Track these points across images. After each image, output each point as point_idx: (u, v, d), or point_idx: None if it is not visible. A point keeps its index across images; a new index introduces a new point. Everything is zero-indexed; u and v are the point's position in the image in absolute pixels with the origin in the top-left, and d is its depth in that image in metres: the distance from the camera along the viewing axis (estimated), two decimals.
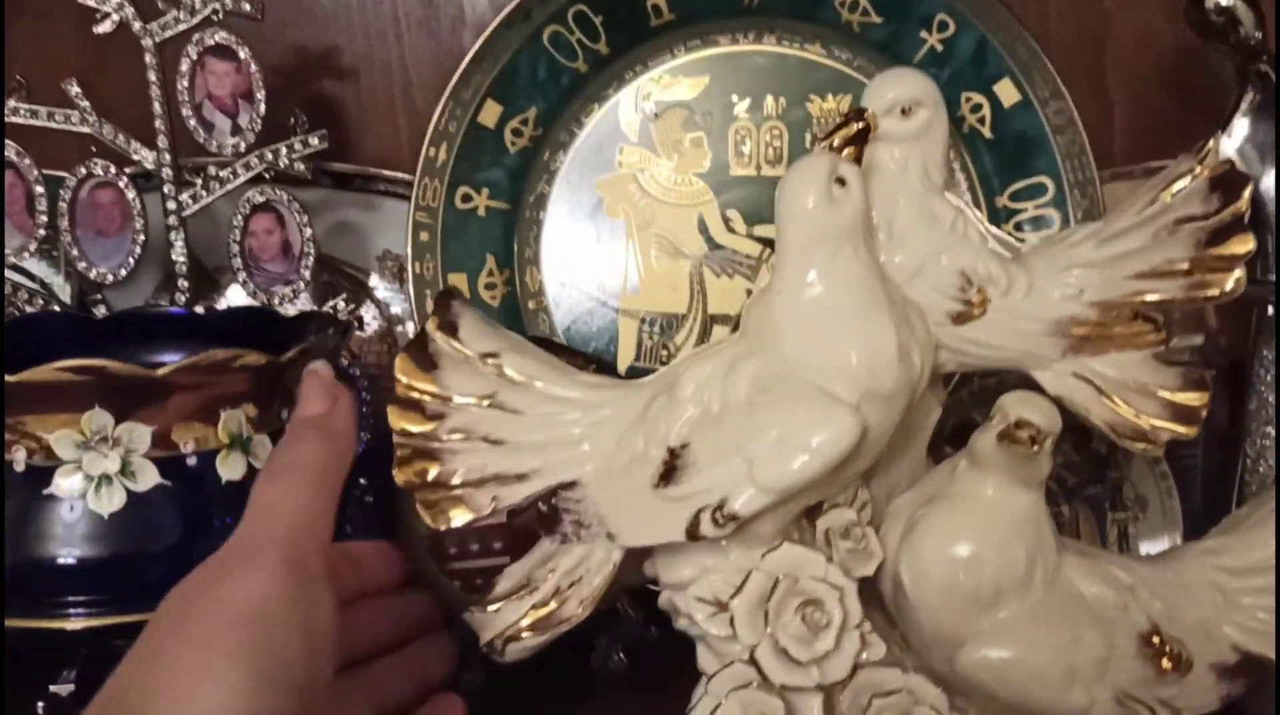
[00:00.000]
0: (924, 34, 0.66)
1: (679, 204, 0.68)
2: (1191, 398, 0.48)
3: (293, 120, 0.62)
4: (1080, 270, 0.48)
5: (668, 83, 0.69)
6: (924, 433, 0.51)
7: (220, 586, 0.37)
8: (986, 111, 0.67)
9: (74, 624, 0.45)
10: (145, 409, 0.46)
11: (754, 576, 0.44)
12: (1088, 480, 0.64)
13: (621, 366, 0.68)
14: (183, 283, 0.61)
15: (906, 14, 0.66)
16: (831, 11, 0.67)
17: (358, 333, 0.69)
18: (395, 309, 0.71)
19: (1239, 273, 0.46)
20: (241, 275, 0.62)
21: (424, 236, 0.67)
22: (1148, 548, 0.63)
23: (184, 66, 0.62)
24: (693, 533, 0.43)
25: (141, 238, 0.60)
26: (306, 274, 0.62)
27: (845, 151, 0.45)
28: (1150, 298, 0.47)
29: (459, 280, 0.67)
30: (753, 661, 0.44)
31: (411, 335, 0.70)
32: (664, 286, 0.69)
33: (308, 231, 0.62)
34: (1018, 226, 0.67)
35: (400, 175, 0.70)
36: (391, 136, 0.71)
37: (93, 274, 0.61)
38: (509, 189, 0.68)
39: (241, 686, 0.34)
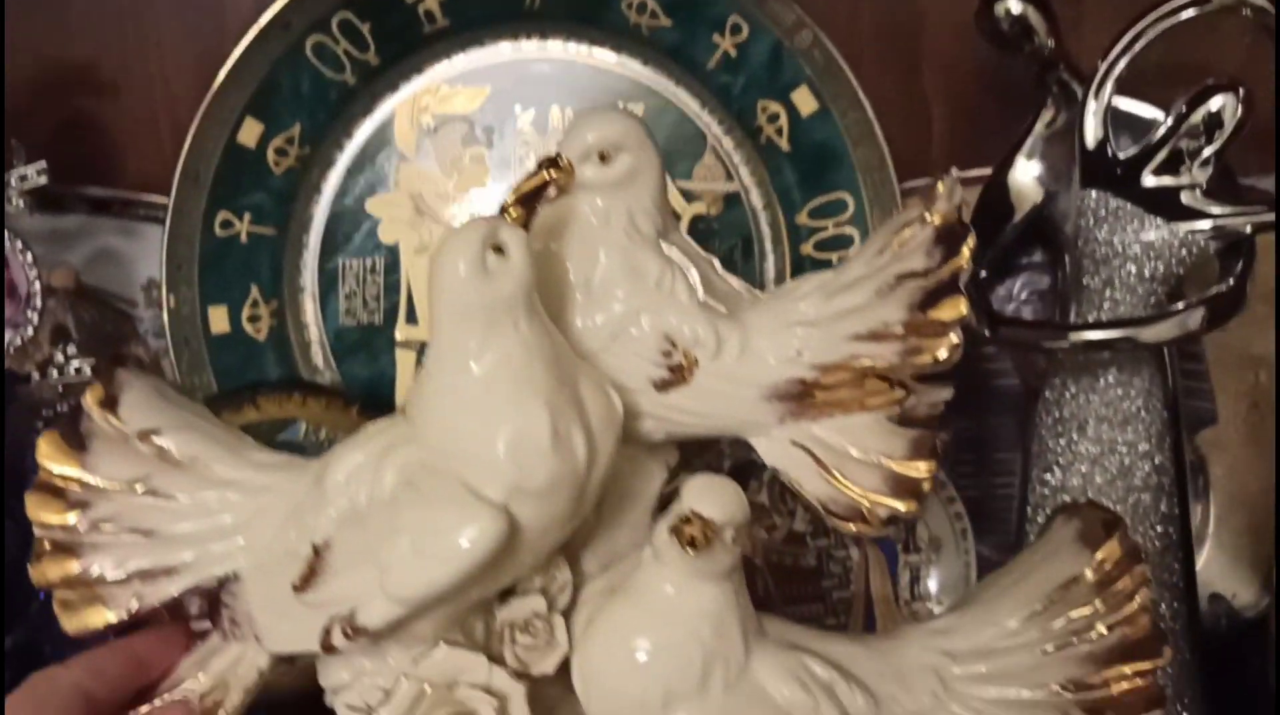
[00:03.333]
0: (716, 38, 0.62)
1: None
2: (917, 468, 0.44)
3: (9, 150, 0.57)
4: (802, 329, 0.44)
5: (445, 94, 0.64)
6: (645, 499, 0.47)
7: None
8: (784, 121, 0.62)
9: None
10: None
11: (403, 684, 0.40)
12: None
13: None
14: None
15: (696, 16, 0.61)
16: (618, 14, 0.62)
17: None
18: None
19: (953, 338, 0.41)
20: None
21: (179, 266, 0.62)
22: (940, 589, 0.59)
23: None
24: (326, 644, 0.39)
25: None
26: (34, 317, 0.58)
27: (514, 213, 0.41)
28: (866, 362, 0.43)
29: (219, 312, 0.63)
30: None
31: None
32: None
33: (33, 271, 0.57)
34: (819, 246, 0.63)
35: (160, 199, 0.65)
36: (155, 156, 0.66)
37: None
38: (275, 212, 0.63)
39: None
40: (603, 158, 0.44)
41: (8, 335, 0.58)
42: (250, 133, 0.62)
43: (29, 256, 0.57)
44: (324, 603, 0.39)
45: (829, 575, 0.60)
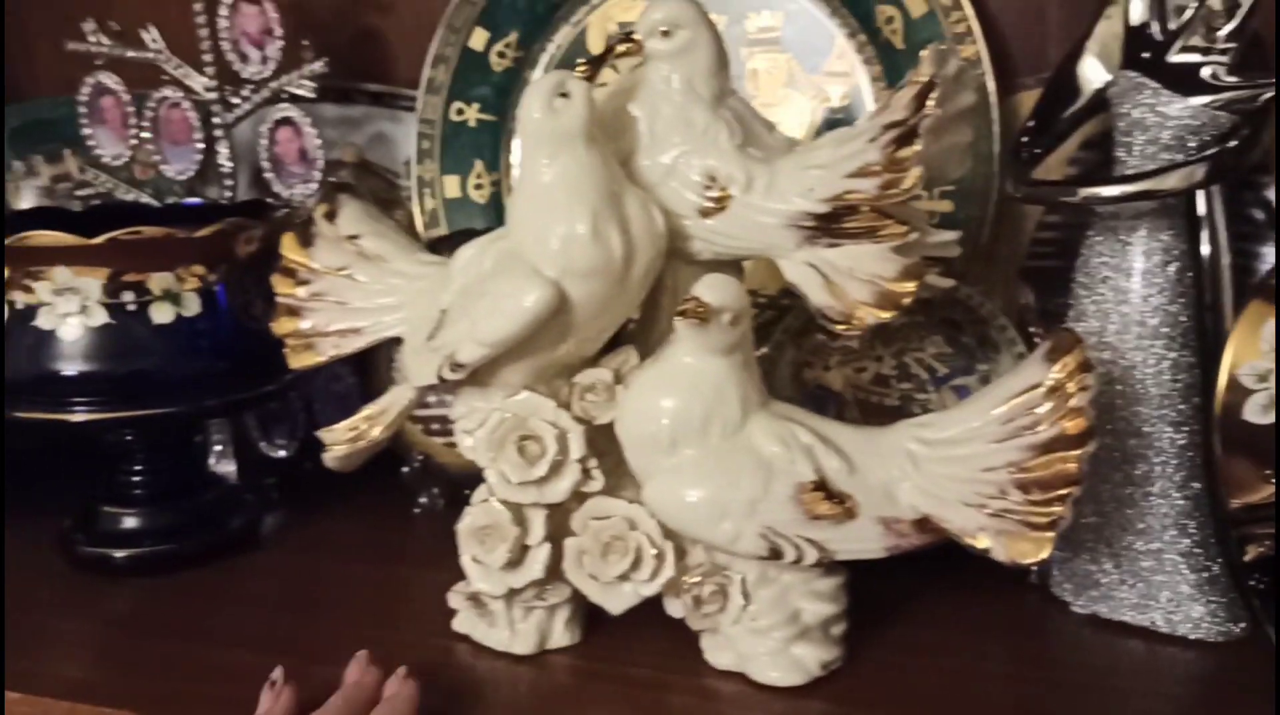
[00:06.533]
0: None
1: None
2: (904, 287, 0.54)
3: (303, 49, 0.78)
4: (816, 171, 0.55)
5: (628, 5, 0.78)
6: None
7: None
8: (898, 23, 0.72)
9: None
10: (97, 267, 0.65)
11: (492, 415, 0.56)
12: (957, 371, 0.68)
13: None
14: (228, 181, 0.79)
15: None
16: None
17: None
18: None
19: (915, 173, 0.51)
20: (269, 174, 0.79)
21: (425, 144, 0.82)
22: None
23: (223, 10, 0.79)
24: (441, 376, 0.55)
25: (201, 146, 0.79)
26: (317, 175, 0.78)
27: (581, 69, 0.55)
28: (854, 196, 0.53)
29: (452, 181, 0.82)
30: (486, 480, 0.56)
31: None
32: None
33: (317, 141, 0.78)
34: None
35: (416, 93, 0.84)
36: (417, 59, 0.85)
37: (169, 174, 0.81)
38: (495, 103, 0.81)
39: None
40: (665, 33, 0.56)
41: (301, 188, 0.79)
42: (479, 39, 0.80)
43: (314, 131, 0.78)
44: (440, 347, 0.55)
45: (909, 415, 0.69)
